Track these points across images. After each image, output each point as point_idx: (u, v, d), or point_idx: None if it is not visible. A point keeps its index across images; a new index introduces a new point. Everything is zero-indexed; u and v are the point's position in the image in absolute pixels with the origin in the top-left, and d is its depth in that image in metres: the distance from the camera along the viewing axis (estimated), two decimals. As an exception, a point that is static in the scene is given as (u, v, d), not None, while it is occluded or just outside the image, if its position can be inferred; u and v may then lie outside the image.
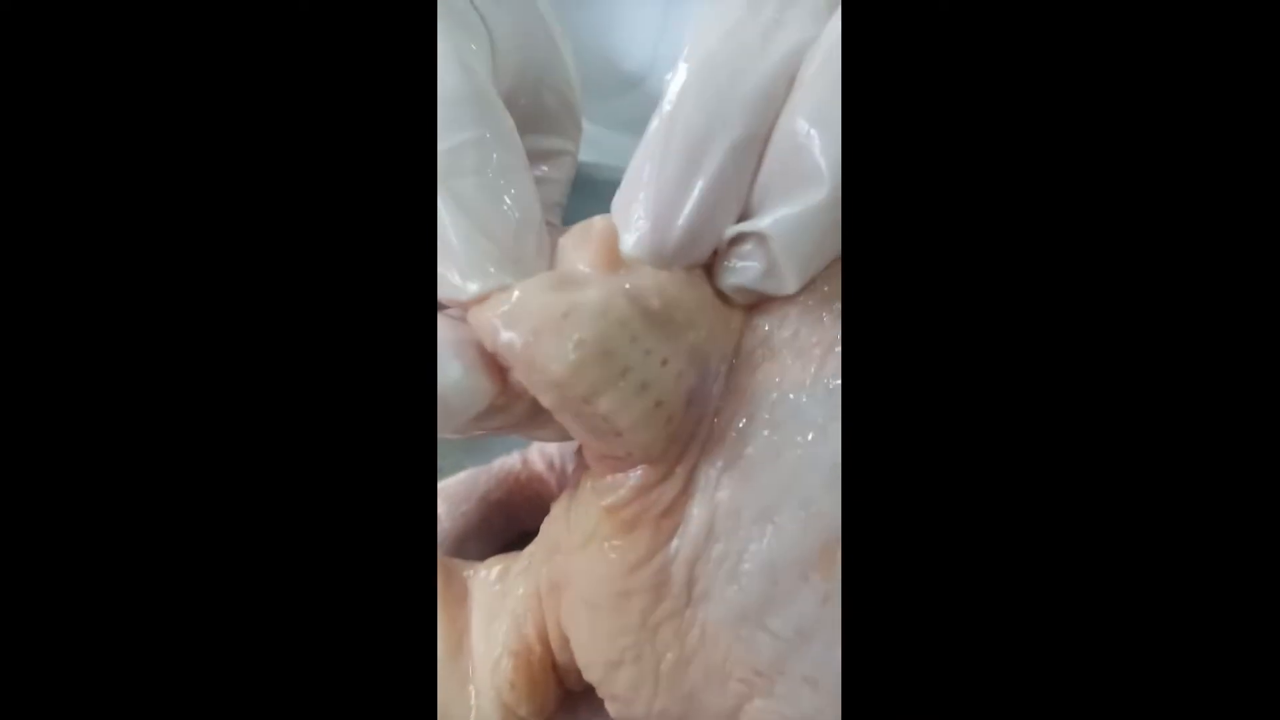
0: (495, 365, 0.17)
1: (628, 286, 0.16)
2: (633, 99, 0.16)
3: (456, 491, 0.31)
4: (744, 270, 0.17)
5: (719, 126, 0.16)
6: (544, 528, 0.21)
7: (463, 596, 0.23)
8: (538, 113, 0.22)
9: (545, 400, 0.16)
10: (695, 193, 0.16)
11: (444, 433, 0.18)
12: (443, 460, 0.35)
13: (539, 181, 0.21)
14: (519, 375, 0.16)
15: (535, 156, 0.23)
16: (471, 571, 0.23)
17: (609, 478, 0.18)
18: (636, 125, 0.18)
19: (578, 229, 0.18)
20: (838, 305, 0.17)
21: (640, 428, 0.17)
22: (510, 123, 0.18)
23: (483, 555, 0.24)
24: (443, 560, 0.24)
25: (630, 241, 0.17)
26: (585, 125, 0.24)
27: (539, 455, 0.32)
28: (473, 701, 0.21)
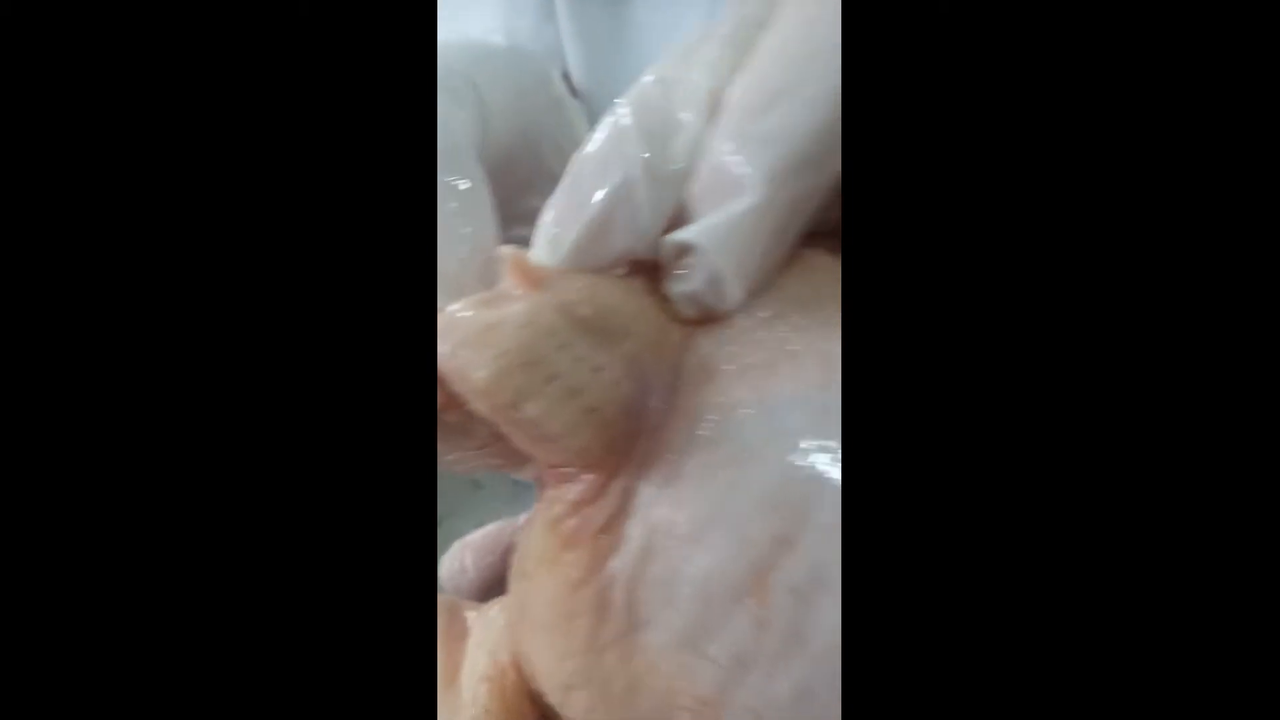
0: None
1: (554, 299, 0.17)
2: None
3: (483, 544, 0.31)
4: (690, 278, 0.18)
5: (615, 155, 0.18)
6: (514, 555, 0.21)
7: (463, 634, 0.24)
8: (539, 174, 0.24)
9: (479, 409, 0.18)
10: (597, 202, 0.18)
11: None
12: (485, 515, 0.36)
13: None
14: (452, 386, 0.18)
15: (534, 217, 0.24)
16: (477, 612, 0.24)
17: (553, 490, 0.19)
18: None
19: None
20: (778, 329, 0.18)
21: (572, 433, 0.17)
22: (480, 173, 0.20)
23: (507, 605, 0.25)
24: (446, 600, 0.25)
25: (536, 245, 0.19)
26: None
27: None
28: (459, 731, 0.22)
